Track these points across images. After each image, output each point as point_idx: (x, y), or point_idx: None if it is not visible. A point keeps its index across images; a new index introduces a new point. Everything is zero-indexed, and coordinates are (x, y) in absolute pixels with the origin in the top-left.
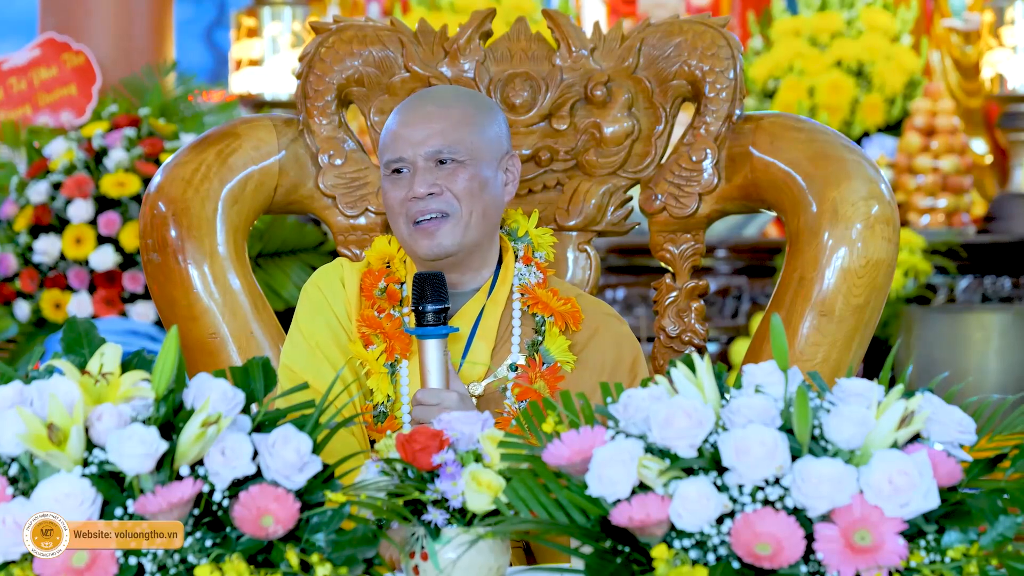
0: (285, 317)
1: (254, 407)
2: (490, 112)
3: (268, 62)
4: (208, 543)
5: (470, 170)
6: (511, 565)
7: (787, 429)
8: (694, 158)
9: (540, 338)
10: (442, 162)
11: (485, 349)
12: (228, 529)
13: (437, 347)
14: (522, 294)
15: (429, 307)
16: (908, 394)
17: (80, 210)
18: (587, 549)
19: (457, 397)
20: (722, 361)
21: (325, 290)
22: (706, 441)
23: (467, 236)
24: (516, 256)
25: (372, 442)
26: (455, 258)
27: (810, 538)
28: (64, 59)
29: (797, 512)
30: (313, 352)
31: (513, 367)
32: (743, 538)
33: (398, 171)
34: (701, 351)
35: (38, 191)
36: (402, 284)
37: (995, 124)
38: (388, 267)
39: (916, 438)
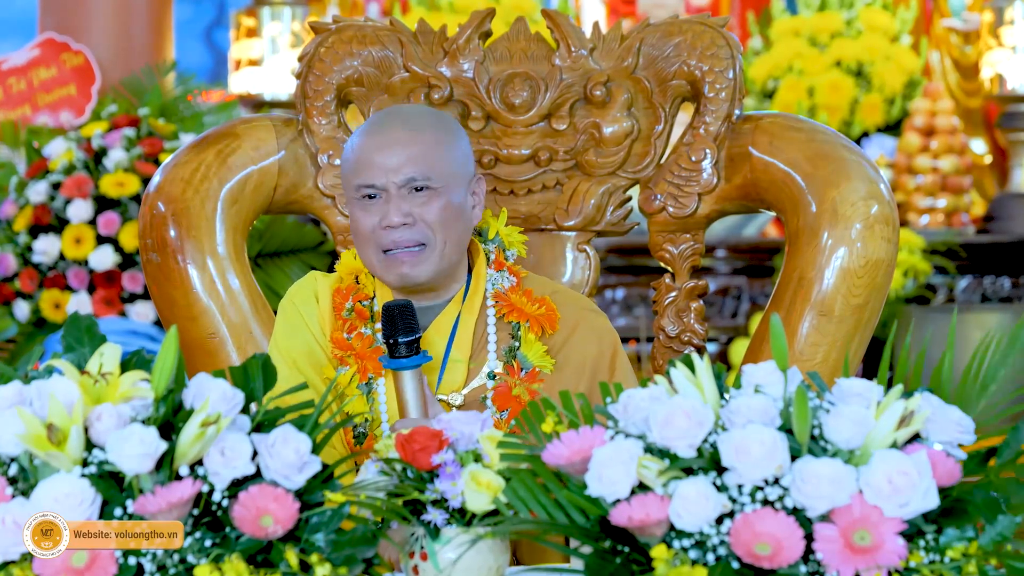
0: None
1: (253, 406)
2: (457, 134)
3: (267, 62)
4: (208, 543)
5: (444, 198)
6: None
7: (787, 429)
8: (693, 158)
9: (517, 344)
10: (417, 189)
11: (462, 358)
12: (228, 529)
13: (412, 377)
14: (496, 301)
15: (401, 339)
16: (907, 394)
17: (79, 210)
18: (587, 549)
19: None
20: (721, 361)
21: (300, 307)
22: (705, 441)
23: (441, 265)
24: (488, 260)
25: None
26: (426, 285)
27: (809, 538)
28: (63, 59)
29: (796, 512)
30: (291, 371)
31: (491, 375)
32: (743, 538)
33: (370, 196)
34: (700, 351)
35: (37, 191)
36: (371, 299)
37: (995, 124)
38: (357, 282)
39: (915, 438)
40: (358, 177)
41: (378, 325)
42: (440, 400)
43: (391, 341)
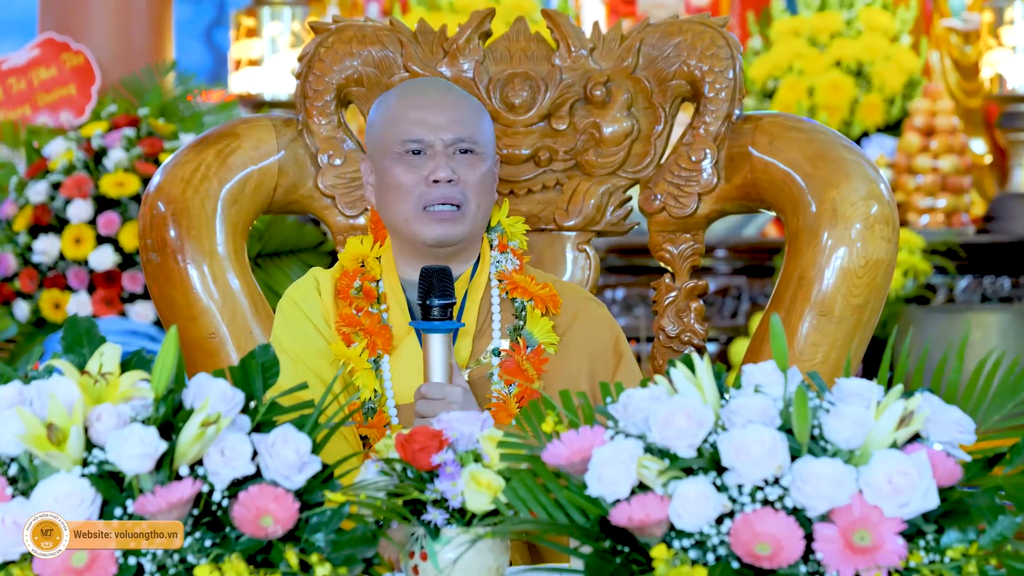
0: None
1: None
2: (486, 111)
3: (267, 62)
4: (208, 543)
5: (484, 163)
6: (515, 564)
7: (786, 429)
8: (693, 158)
9: (521, 323)
10: (462, 151)
11: (467, 336)
12: (227, 529)
13: (442, 342)
14: (500, 280)
15: (436, 301)
16: (907, 394)
17: (79, 210)
18: (587, 549)
19: (461, 392)
20: (721, 361)
21: (301, 303)
22: (705, 441)
23: (471, 230)
24: (491, 245)
25: (364, 438)
26: (453, 250)
27: (809, 538)
28: (63, 59)
29: (796, 512)
30: (295, 364)
31: (496, 352)
32: (742, 538)
33: (415, 152)
34: (700, 351)
35: (37, 191)
36: (377, 282)
37: (994, 124)
38: (362, 266)
39: (915, 438)
40: (404, 132)
41: (384, 306)
42: None
43: (425, 302)
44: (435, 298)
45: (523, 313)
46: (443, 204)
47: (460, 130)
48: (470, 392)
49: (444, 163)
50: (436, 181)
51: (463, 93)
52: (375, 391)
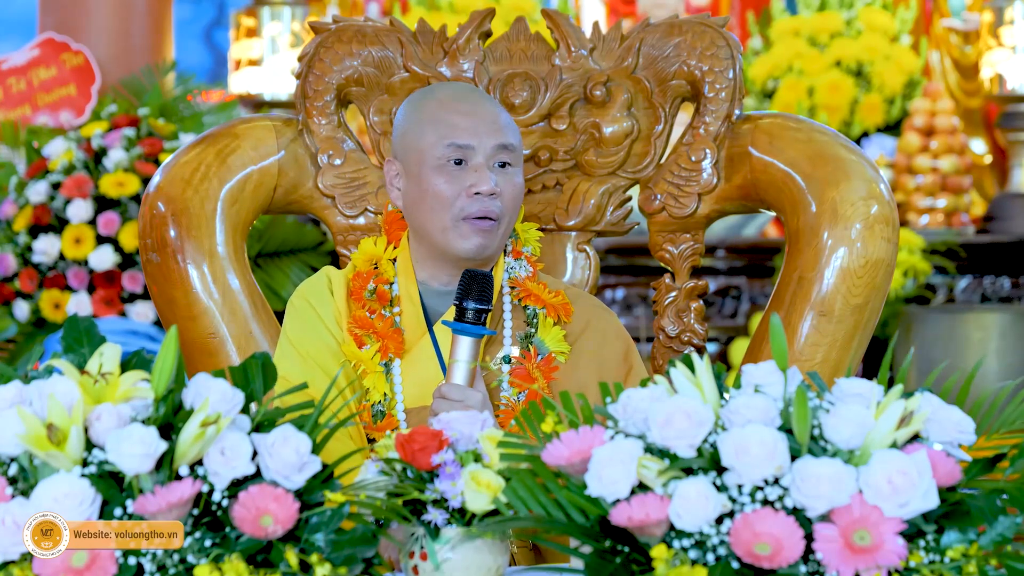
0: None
1: (253, 406)
2: None
3: (267, 62)
4: (208, 543)
5: (519, 177)
6: (520, 564)
7: (786, 429)
8: (693, 158)
9: (533, 330)
10: (500, 164)
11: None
12: (227, 529)
13: (470, 345)
14: (512, 287)
15: (471, 304)
16: (907, 394)
17: (79, 210)
18: (587, 549)
19: (481, 398)
20: (721, 361)
21: (314, 302)
22: (705, 441)
23: (500, 245)
24: (505, 251)
25: (371, 441)
26: (487, 261)
27: (809, 538)
28: (63, 59)
29: (796, 512)
30: (305, 361)
31: (507, 359)
32: (742, 538)
33: (458, 161)
34: (700, 351)
35: (37, 191)
36: (391, 284)
37: (994, 124)
38: (376, 268)
39: (915, 438)
40: (448, 135)
41: (397, 309)
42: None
43: (461, 304)
44: (471, 301)
45: (535, 321)
46: (482, 218)
47: (503, 138)
48: (488, 400)
49: (487, 175)
50: (478, 193)
51: (496, 101)
52: (385, 394)
